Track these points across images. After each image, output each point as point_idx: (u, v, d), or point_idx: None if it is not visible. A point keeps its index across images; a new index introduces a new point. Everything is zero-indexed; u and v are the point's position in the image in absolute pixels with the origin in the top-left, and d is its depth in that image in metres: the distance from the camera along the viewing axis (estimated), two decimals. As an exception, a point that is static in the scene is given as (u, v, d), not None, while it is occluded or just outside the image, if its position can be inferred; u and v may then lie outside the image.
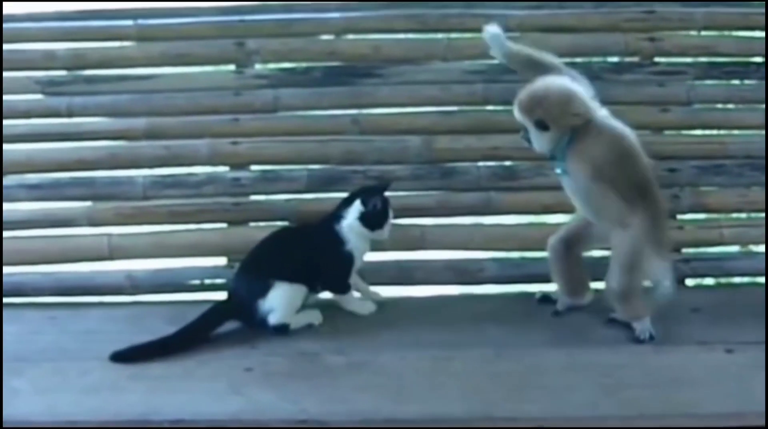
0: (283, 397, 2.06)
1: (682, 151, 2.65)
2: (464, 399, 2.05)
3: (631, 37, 2.73)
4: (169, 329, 2.31)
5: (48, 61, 2.76)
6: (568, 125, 2.18)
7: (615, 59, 2.78)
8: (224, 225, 2.63)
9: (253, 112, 2.70)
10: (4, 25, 2.75)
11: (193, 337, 2.27)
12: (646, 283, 2.26)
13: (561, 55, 2.70)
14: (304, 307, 2.37)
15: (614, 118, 2.24)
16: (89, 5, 2.89)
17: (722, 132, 2.71)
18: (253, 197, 2.66)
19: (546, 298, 2.44)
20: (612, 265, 2.26)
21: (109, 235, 2.60)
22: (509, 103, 2.61)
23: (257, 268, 2.36)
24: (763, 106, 2.65)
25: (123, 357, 2.20)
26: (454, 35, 2.78)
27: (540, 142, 2.23)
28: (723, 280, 2.66)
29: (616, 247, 2.25)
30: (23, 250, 2.62)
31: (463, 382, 2.12)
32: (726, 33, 2.81)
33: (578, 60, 2.73)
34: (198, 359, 2.22)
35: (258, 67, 2.76)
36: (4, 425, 1.98)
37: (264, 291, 2.30)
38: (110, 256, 2.61)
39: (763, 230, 2.56)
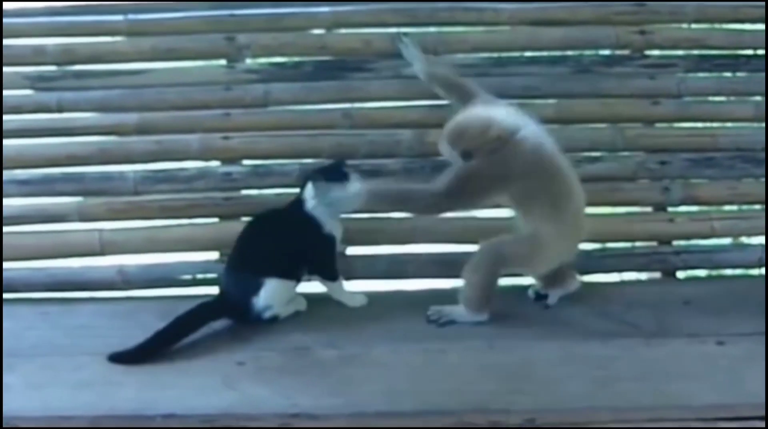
0: (275, 391, 2.07)
1: (672, 144, 2.66)
2: (457, 392, 2.05)
3: (622, 30, 2.74)
4: (161, 324, 2.31)
5: (38, 56, 2.75)
6: (490, 150, 2.23)
7: (606, 52, 2.78)
8: (216, 220, 2.63)
9: (244, 107, 2.69)
10: (-6, 21, 2.75)
11: (180, 333, 2.26)
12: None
13: (552, 48, 2.75)
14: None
15: (541, 131, 2.29)
16: (79, 1, 2.87)
17: (713, 124, 2.71)
18: (245, 192, 2.65)
19: (540, 296, 2.44)
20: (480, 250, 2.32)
21: (101, 231, 2.60)
22: (501, 96, 2.64)
23: (247, 267, 2.35)
24: (754, 98, 2.67)
25: (118, 359, 2.19)
26: (445, 29, 2.78)
27: None
28: (714, 273, 2.66)
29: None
30: (14, 245, 2.60)
31: (455, 375, 2.12)
32: (717, 26, 2.83)
33: (569, 53, 2.74)
34: (190, 354, 2.22)
35: (249, 61, 2.76)
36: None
37: (257, 288, 2.30)
38: (102, 252, 2.60)
39: (753, 222, 2.57)
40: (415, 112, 2.69)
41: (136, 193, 2.62)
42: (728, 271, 2.64)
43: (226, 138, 2.65)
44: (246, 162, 2.67)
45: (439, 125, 2.62)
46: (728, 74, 2.74)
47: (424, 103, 2.68)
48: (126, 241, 2.61)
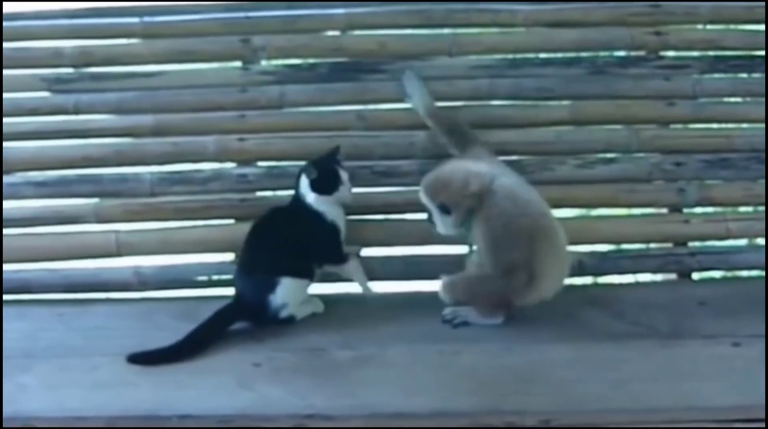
0: (290, 392, 2.07)
1: (687, 145, 2.65)
2: (472, 393, 2.06)
3: (637, 31, 2.73)
4: (176, 325, 2.32)
5: (55, 58, 2.76)
6: (467, 206, 2.26)
7: (621, 53, 2.78)
8: (231, 221, 2.64)
9: (259, 109, 2.70)
10: (11, 24, 2.76)
11: (203, 341, 2.26)
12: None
13: (567, 49, 2.74)
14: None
15: (519, 182, 2.34)
16: (96, 3, 2.89)
17: (728, 126, 2.70)
18: (260, 193, 2.66)
19: None
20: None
21: (117, 232, 2.61)
22: (515, 98, 2.65)
23: (260, 267, 2.36)
24: (769, 99, 2.66)
25: (138, 360, 2.20)
26: (459, 31, 2.78)
27: (443, 225, 2.34)
28: (729, 274, 2.65)
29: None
30: (31, 247, 2.62)
31: (470, 376, 2.13)
32: (732, 27, 2.82)
33: (584, 54, 2.73)
34: (206, 354, 2.22)
35: (264, 63, 2.76)
36: (14, 419, 1.99)
37: (272, 287, 2.31)
38: (118, 253, 2.61)
39: (769, 224, 2.57)
40: (429, 113, 2.69)
41: (152, 194, 2.63)
42: (744, 273, 2.63)
43: (241, 140, 2.65)
44: (261, 163, 2.67)
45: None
46: (744, 75, 2.73)
47: (439, 105, 2.68)
48: (142, 242, 2.61)
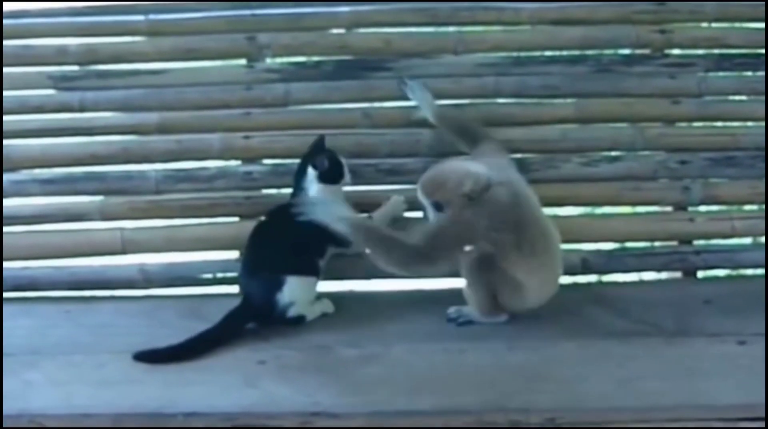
0: (296, 390, 2.08)
1: (693, 143, 2.65)
2: (477, 391, 2.06)
3: (642, 29, 2.73)
4: (182, 322, 2.34)
5: (60, 56, 2.76)
6: (460, 205, 2.24)
7: (626, 51, 2.78)
8: (236, 219, 2.64)
9: (264, 106, 2.70)
10: (17, 21, 2.76)
11: (212, 342, 2.26)
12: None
13: (572, 47, 2.74)
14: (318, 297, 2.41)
15: (519, 183, 2.33)
16: (101, 1, 2.89)
17: (733, 124, 2.70)
18: (265, 191, 2.66)
19: None
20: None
21: (122, 230, 2.61)
22: (520, 96, 2.65)
23: (266, 267, 2.36)
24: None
25: (145, 357, 2.21)
26: (465, 29, 2.77)
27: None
28: (734, 272, 2.65)
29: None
30: (37, 244, 2.63)
31: (475, 374, 2.13)
32: (737, 25, 2.81)
33: (589, 52, 2.73)
34: (212, 352, 2.23)
35: (269, 61, 2.76)
36: (20, 416, 2.00)
37: (279, 286, 2.31)
38: (123, 251, 2.61)
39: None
40: (435, 111, 2.69)
41: (158, 192, 2.63)
42: (749, 271, 2.63)
43: (246, 137, 2.65)
44: (266, 161, 2.68)
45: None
46: (749, 73, 2.73)
47: (443, 103, 2.68)
48: (147, 240, 2.62)
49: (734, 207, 2.66)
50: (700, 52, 2.74)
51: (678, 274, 2.64)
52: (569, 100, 2.70)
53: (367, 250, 2.30)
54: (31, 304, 2.53)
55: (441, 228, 2.26)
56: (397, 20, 2.77)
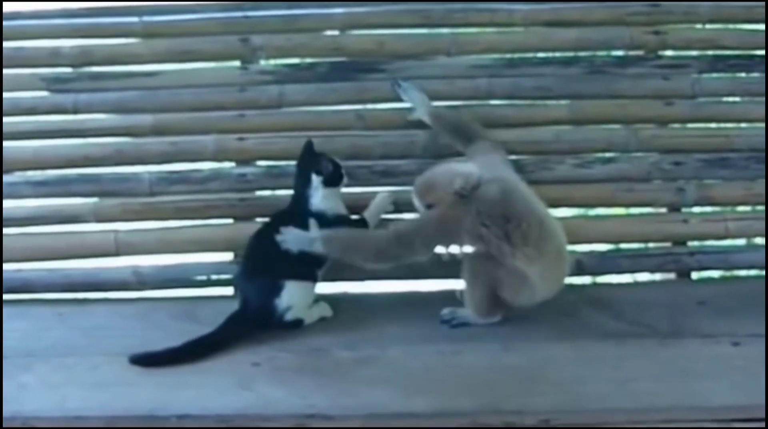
0: (291, 392, 2.08)
1: (686, 145, 2.65)
2: (472, 393, 2.06)
3: (636, 30, 2.73)
4: (175, 325, 2.34)
5: (54, 58, 2.76)
6: (450, 202, 2.26)
7: (620, 53, 2.78)
8: (230, 221, 2.64)
9: (258, 108, 2.70)
10: (10, 23, 2.75)
11: (208, 346, 2.25)
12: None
13: (565, 49, 2.74)
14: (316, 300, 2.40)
15: (514, 180, 2.35)
16: (95, 2, 2.89)
17: (727, 125, 2.70)
18: (259, 193, 2.66)
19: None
20: None
21: (116, 232, 2.60)
22: (514, 97, 2.66)
23: (265, 272, 2.34)
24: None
25: (141, 361, 2.20)
26: (458, 30, 2.77)
27: None
28: (728, 274, 2.66)
29: None
30: (30, 246, 2.63)
31: (470, 376, 2.13)
32: (731, 26, 2.82)
33: (583, 54, 2.73)
34: (209, 356, 2.22)
35: (263, 63, 2.76)
36: (14, 419, 1.99)
37: (278, 291, 2.30)
38: (117, 252, 2.61)
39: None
40: (428, 113, 2.69)
41: (152, 194, 2.63)
42: (743, 272, 2.63)
43: (240, 139, 2.65)
44: (260, 163, 2.67)
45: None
46: (742, 75, 2.73)
47: (438, 104, 2.68)
48: (141, 241, 2.61)
49: (728, 208, 2.66)
50: (694, 53, 2.74)
51: (672, 276, 2.64)
52: (563, 102, 2.70)
53: (345, 257, 2.33)
54: (25, 306, 2.53)
55: (422, 220, 2.30)
56: (390, 22, 2.77)
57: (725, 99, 2.73)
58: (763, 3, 2.69)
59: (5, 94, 2.70)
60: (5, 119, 2.68)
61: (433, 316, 2.36)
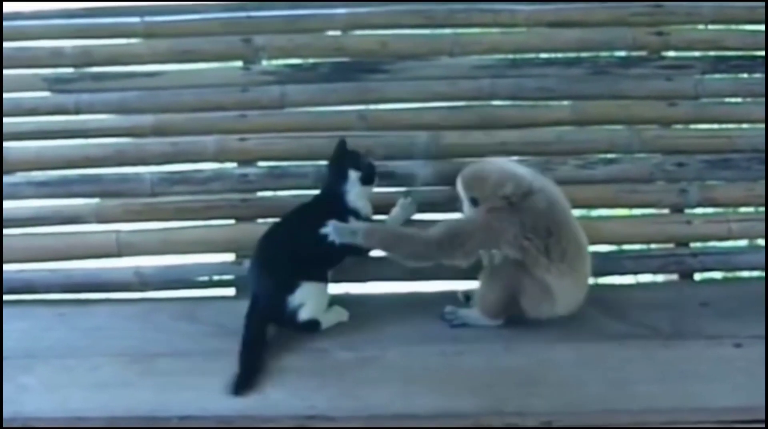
0: (291, 393, 2.07)
1: (689, 146, 2.65)
2: (473, 394, 2.06)
3: (639, 31, 2.73)
4: (177, 325, 2.36)
5: (55, 58, 2.76)
6: (496, 206, 2.25)
7: (622, 54, 2.78)
8: (232, 221, 2.63)
9: (260, 109, 2.70)
10: (12, 23, 2.76)
11: (259, 354, 2.21)
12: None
13: (568, 49, 2.74)
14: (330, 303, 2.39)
15: (555, 191, 2.33)
16: (96, 3, 2.89)
17: (730, 126, 2.70)
18: (261, 193, 2.65)
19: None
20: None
21: (118, 232, 2.60)
22: (516, 98, 2.65)
23: (279, 269, 2.32)
24: (771, 100, 2.65)
25: (243, 387, 2.13)
26: (460, 31, 2.77)
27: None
28: (731, 275, 2.65)
29: None
30: (31, 247, 2.62)
31: (471, 377, 2.13)
32: (733, 27, 2.81)
33: (585, 54, 2.73)
34: (206, 355, 2.22)
35: (265, 63, 2.76)
36: (14, 420, 1.99)
37: (291, 288, 2.28)
38: (118, 253, 2.60)
39: (771, 224, 2.56)
40: (431, 113, 2.68)
41: (153, 194, 2.63)
42: (745, 273, 2.62)
43: (242, 139, 2.65)
44: (262, 163, 2.67)
45: (456, 127, 2.65)
46: (745, 75, 2.73)
47: (439, 105, 2.68)
48: (143, 242, 2.61)
49: (731, 209, 2.65)
50: (697, 54, 2.74)
51: (675, 277, 2.63)
52: (565, 103, 2.70)
53: (385, 251, 2.31)
54: (26, 306, 2.52)
55: (467, 228, 2.28)
56: (393, 22, 2.77)
57: (728, 100, 2.73)
58: (765, 4, 2.68)
59: (7, 95, 2.70)
60: (7, 120, 2.68)
61: (434, 316, 2.36)
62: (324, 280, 2.36)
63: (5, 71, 2.73)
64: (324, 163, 2.54)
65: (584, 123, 2.68)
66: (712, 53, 2.73)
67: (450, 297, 2.43)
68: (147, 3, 2.82)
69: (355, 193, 2.39)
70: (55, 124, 2.70)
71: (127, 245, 2.60)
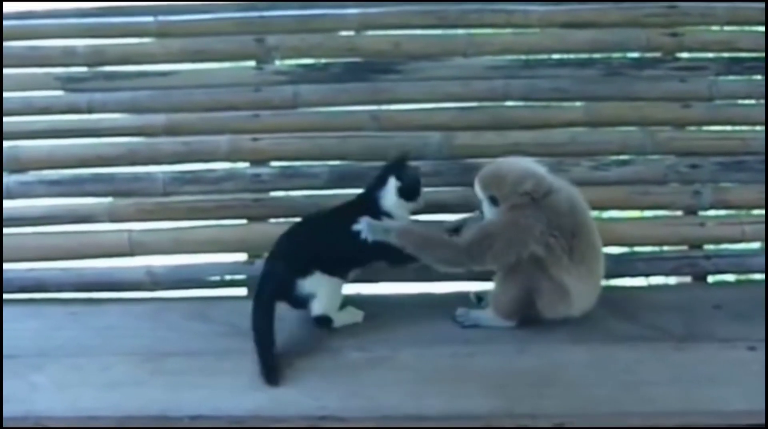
0: (303, 393, 2.07)
1: (703, 147, 2.64)
2: (485, 395, 2.05)
3: (653, 32, 2.73)
4: (188, 325, 2.35)
5: (68, 57, 2.76)
6: (518, 203, 2.23)
7: (636, 55, 2.77)
8: (244, 221, 2.63)
9: (272, 108, 2.70)
10: (24, 22, 2.77)
11: (270, 334, 2.21)
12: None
13: (581, 50, 2.73)
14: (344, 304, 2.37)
15: (574, 192, 2.30)
16: (109, 2, 2.89)
17: (744, 128, 2.69)
18: (273, 193, 2.65)
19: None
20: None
21: (130, 231, 2.60)
22: (529, 98, 2.65)
23: (297, 255, 2.30)
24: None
25: (272, 375, 2.14)
26: (473, 31, 2.77)
27: (491, 215, 2.29)
28: (744, 277, 2.64)
29: None
30: (44, 245, 2.62)
31: (483, 378, 2.12)
32: (747, 28, 2.79)
33: (599, 56, 2.73)
34: (218, 354, 2.22)
35: (277, 63, 2.76)
36: (26, 419, 2.00)
37: (303, 273, 2.26)
38: (130, 252, 2.60)
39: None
40: (443, 114, 2.68)
41: (165, 194, 2.63)
42: (759, 276, 2.61)
43: (254, 139, 2.65)
44: (274, 163, 2.67)
45: (468, 128, 2.65)
46: (759, 77, 2.71)
47: (452, 106, 2.68)
48: (155, 241, 2.61)
49: (744, 211, 2.64)
50: (711, 55, 2.73)
51: (688, 279, 2.62)
52: (578, 104, 2.69)
53: (416, 254, 2.28)
54: (38, 305, 2.52)
55: (491, 229, 2.25)
56: (405, 22, 2.77)
57: (742, 101, 2.72)
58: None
59: (19, 94, 2.71)
60: (19, 119, 2.69)
61: (445, 317, 2.36)
62: (340, 276, 2.33)
63: (18, 70, 2.74)
64: (336, 163, 2.53)
65: (597, 124, 2.68)
66: (726, 55, 2.72)
67: (462, 298, 2.43)
68: (160, 2, 2.83)
69: (391, 202, 2.35)
70: (67, 123, 2.70)
71: (139, 244, 2.60)
